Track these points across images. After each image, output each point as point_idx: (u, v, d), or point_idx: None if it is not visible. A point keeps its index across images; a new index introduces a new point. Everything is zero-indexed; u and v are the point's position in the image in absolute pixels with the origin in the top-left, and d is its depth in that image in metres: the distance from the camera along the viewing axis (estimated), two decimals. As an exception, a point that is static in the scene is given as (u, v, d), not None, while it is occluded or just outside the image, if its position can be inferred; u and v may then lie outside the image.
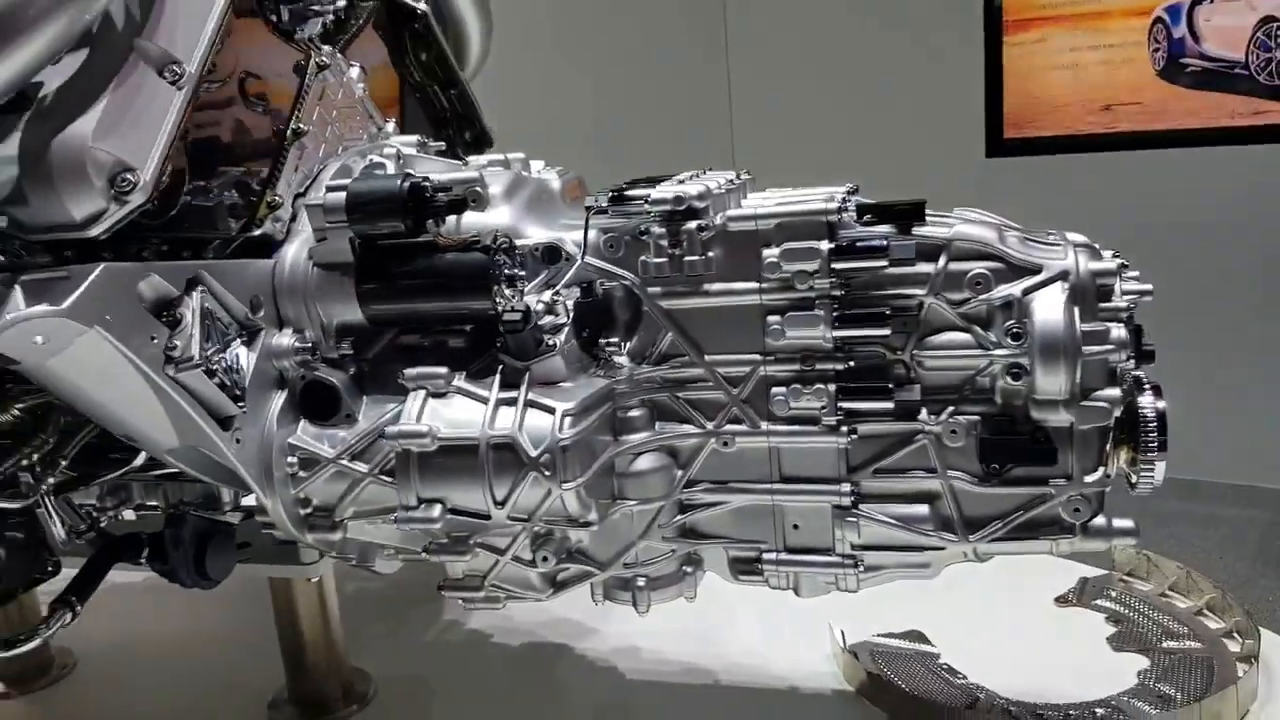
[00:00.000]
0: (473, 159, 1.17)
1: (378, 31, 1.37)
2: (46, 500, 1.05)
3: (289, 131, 1.07)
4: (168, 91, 0.89)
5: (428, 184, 0.99)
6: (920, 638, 1.41)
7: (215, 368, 0.92)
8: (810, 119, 2.87)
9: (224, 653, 1.34)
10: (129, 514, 1.19)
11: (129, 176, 0.86)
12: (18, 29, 0.78)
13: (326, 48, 1.16)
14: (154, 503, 1.17)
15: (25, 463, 0.97)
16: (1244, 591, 1.68)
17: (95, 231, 0.86)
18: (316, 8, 1.22)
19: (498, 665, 1.49)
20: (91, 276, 0.81)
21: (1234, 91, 2.49)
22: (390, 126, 1.29)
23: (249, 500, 1.10)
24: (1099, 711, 1.25)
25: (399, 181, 0.98)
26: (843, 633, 1.39)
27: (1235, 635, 1.39)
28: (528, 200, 1.09)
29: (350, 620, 1.42)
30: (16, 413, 0.96)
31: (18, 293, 0.84)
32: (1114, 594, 1.52)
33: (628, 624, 1.46)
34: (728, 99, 2.96)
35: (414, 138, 1.24)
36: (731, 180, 1.06)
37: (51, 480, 0.99)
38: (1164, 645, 1.40)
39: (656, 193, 1.00)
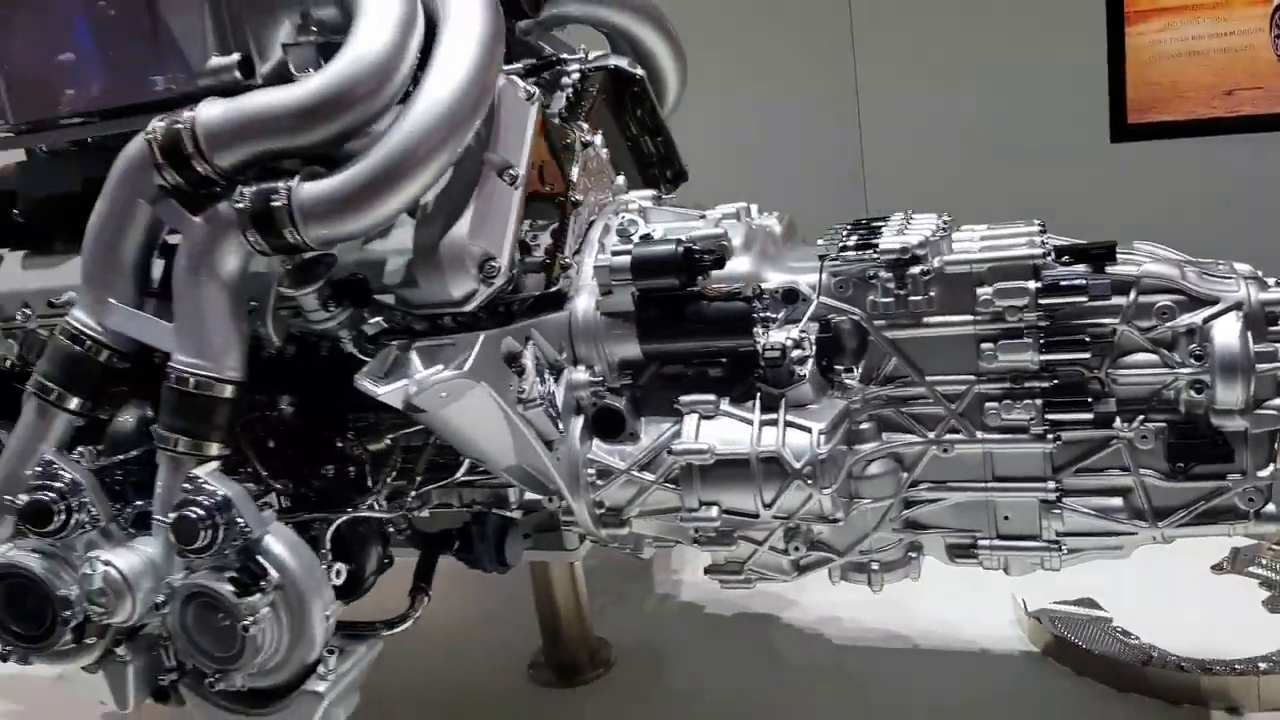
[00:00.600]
0: (709, 213, 1.36)
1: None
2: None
3: (569, 203, 1.28)
4: (508, 191, 1.13)
5: (696, 247, 1.20)
6: (1092, 604, 1.60)
7: (547, 403, 1.15)
8: (936, 112, 3.02)
9: (487, 625, 1.55)
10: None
11: (493, 264, 1.10)
12: (417, 164, 1.02)
13: (583, 125, 1.38)
14: (450, 503, 1.41)
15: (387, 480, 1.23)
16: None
17: (470, 307, 1.10)
18: (563, 81, 1.45)
19: (716, 632, 1.72)
20: (479, 343, 1.05)
21: (1355, 73, 2.59)
22: (620, 181, 1.50)
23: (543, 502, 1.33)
24: (1262, 666, 1.43)
25: (674, 246, 1.19)
26: (1024, 601, 1.59)
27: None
28: (760, 248, 1.29)
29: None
30: (389, 441, 1.21)
31: (415, 357, 1.08)
32: (1265, 561, 1.70)
33: (824, 594, 1.66)
34: (855, 96, 3.11)
35: (649, 193, 1.45)
36: (941, 225, 1.25)
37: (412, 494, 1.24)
38: (1314, 607, 1.58)
39: (885, 243, 1.20)
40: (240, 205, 1.03)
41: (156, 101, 1.16)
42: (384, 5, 1.06)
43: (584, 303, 1.25)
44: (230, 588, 1.03)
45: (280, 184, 1.03)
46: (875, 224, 1.29)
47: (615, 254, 1.21)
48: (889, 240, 1.21)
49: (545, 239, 1.24)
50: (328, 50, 1.12)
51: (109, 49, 1.18)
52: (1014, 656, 1.54)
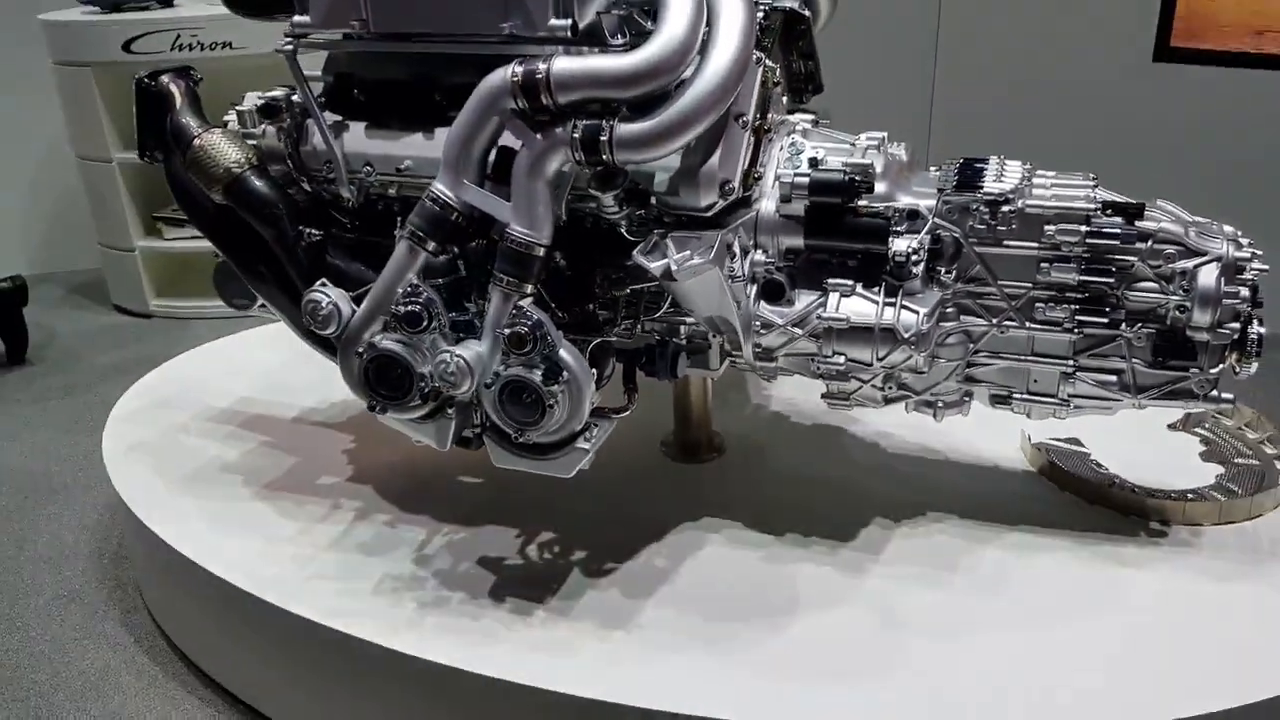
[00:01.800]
0: (858, 141, 1.83)
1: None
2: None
3: (761, 131, 1.77)
4: (741, 133, 1.62)
5: (855, 180, 1.70)
6: (1078, 442, 2.19)
7: (745, 280, 1.69)
8: (1004, 28, 3.44)
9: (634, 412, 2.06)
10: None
11: (730, 185, 1.61)
12: (699, 118, 1.51)
13: (771, 64, 1.83)
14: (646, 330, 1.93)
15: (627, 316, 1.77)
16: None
17: (709, 214, 1.62)
18: None
19: (798, 434, 2.31)
20: (718, 239, 1.58)
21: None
22: (785, 99, 1.98)
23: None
24: (1190, 495, 2.04)
25: (842, 176, 1.69)
26: (1029, 435, 2.18)
27: (1283, 459, 2.16)
28: (893, 175, 1.79)
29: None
30: (629, 290, 1.75)
31: (670, 244, 1.61)
32: (1207, 425, 2.29)
33: (879, 416, 2.25)
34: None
35: (809, 116, 1.92)
36: (1025, 173, 1.76)
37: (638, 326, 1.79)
38: (1235, 460, 2.17)
39: (988, 186, 1.70)
40: (576, 134, 1.53)
41: (500, 39, 1.62)
42: (684, 2, 1.53)
43: (767, 205, 1.74)
44: (540, 378, 1.59)
45: (604, 122, 1.53)
46: (980, 165, 1.78)
47: (797, 174, 1.72)
48: (990, 185, 1.71)
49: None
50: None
51: (471, -5, 1.62)
52: (1016, 474, 2.13)
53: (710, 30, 1.55)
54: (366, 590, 1.84)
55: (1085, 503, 2.05)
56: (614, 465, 2.00)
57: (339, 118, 1.85)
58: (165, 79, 1.96)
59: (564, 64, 1.53)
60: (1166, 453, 2.19)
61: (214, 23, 3.64)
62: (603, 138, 1.52)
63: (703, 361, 1.92)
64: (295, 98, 1.85)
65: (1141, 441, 2.17)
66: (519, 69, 1.55)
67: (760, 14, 1.89)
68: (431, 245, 1.64)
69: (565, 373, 1.59)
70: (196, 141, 1.85)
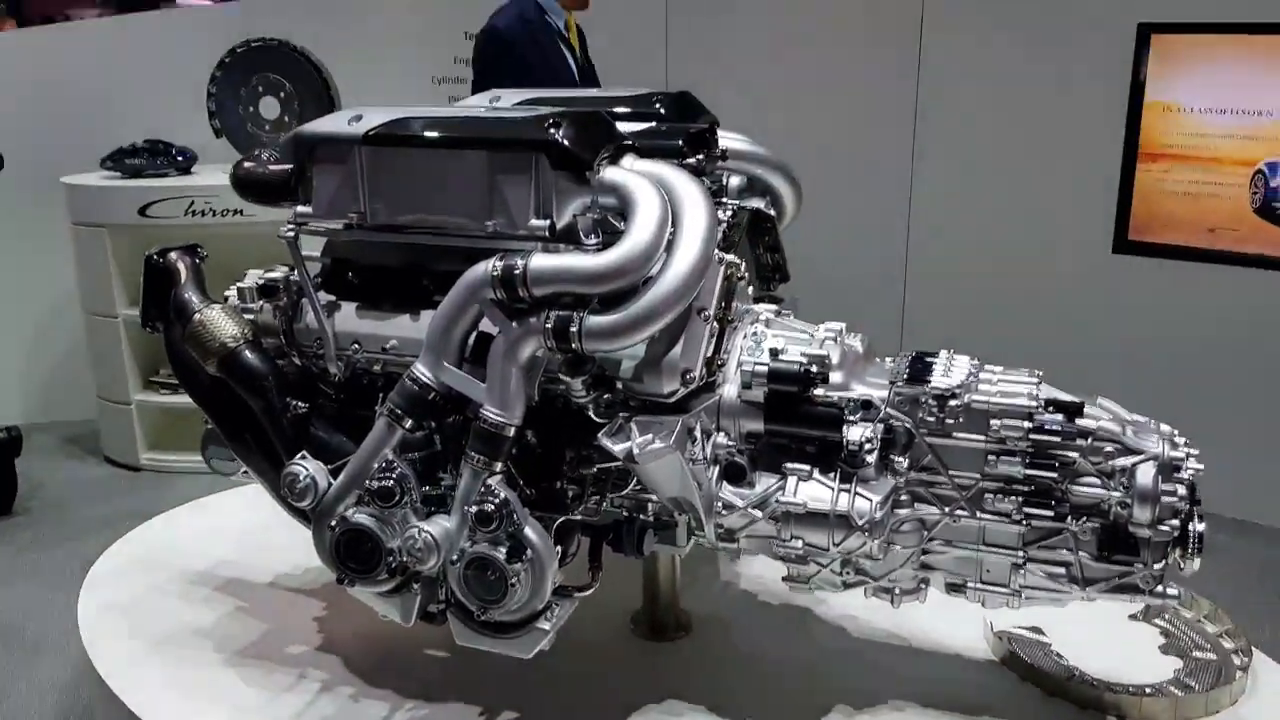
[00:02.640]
0: (817, 332, 1.95)
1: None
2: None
3: (725, 322, 1.88)
4: (703, 325, 1.73)
5: (811, 372, 1.80)
6: (1040, 631, 2.22)
7: (706, 462, 1.78)
8: (978, 204, 3.66)
9: (603, 588, 2.10)
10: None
11: (691, 375, 1.71)
12: (662, 313, 1.63)
13: (736, 259, 1.96)
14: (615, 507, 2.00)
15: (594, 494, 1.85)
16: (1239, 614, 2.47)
17: (671, 400, 1.72)
18: (720, 218, 2.04)
19: (766, 614, 2.35)
20: (679, 424, 1.68)
21: (1312, 235, 3.20)
22: (750, 290, 2.11)
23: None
24: (1147, 690, 2.06)
25: (799, 367, 1.80)
26: (991, 623, 2.22)
27: (1238, 652, 2.19)
28: (849, 366, 1.89)
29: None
30: (596, 469, 1.83)
31: (634, 427, 1.70)
32: (1167, 616, 2.33)
33: (846, 596, 2.28)
34: (908, 201, 3.75)
35: (772, 307, 2.05)
36: (973, 368, 1.86)
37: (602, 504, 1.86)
38: (1193, 654, 2.21)
39: (935, 381, 1.80)
40: (548, 324, 1.65)
41: (485, 235, 1.76)
42: (651, 209, 1.65)
43: (729, 390, 1.82)
44: (504, 556, 1.66)
45: (574, 314, 1.64)
46: (929, 359, 1.89)
47: (757, 363, 1.82)
48: (938, 380, 1.81)
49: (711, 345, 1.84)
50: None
51: (459, 197, 1.76)
52: (979, 662, 2.17)
53: (675, 232, 1.68)
54: (327, 763, 1.85)
55: (1045, 694, 2.07)
56: (583, 642, 2.03)
57: (333, 298, 1.96)
58: (173, 255, 2.10)
59: (540, 261, 1.66)
60: (1127, 644, 2.22)
61: (227, 190, 3.77)
62: (572, 328, 1.63)
63: (669, 538, 1.98)
64: (293, 277, 1.98)
65: (1103, 632, 2.20)
66: (499, 264, 1.67)
67: (728, 213, 2.04)
68: (409, 423, 1.73)
69: (529, 550, 1.66)
70: (197, 316, 1.97)
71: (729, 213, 2.06)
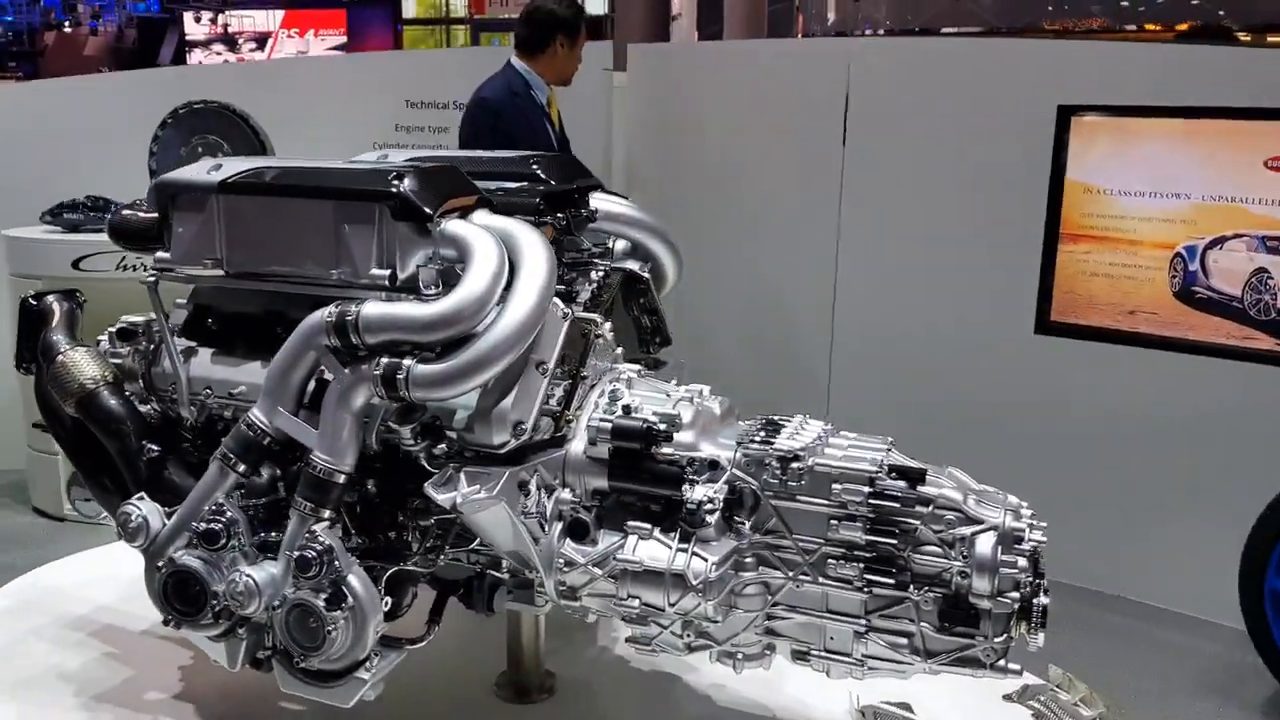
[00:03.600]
0: (673, 393, 1.95)
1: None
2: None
3: (579, 378, 1.89)
4: (539, 378, 1.73)
5: (655, 424, 1.80)
6: (908, 708, 2.19)
7: (539, 516, 1.76)
8: (903, 282, 3.69)
9: (460, 646, 2.08)
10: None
11: (522, 426, 1.71)
12: (492, 362, 1.63)
13: (597, 317, 1.97)
14: (460, 560, 2.00)
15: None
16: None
17: (502, 451, 1.71)
18: (592, 275, 2.06)
19: (632, 677, 2.32)
20: (505, 476, 1.67)
21: (1229, 318, 3.20)
22: (619, 351, 2.11)
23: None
24: (1009, 772, 2.02)
25: (641, 423, 1.79)
26: (857, 696, 2.18)
27: (1110, 736, 2.15)
28: (701, 425, 1.89)
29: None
30: (433, 520, 1.82)
31: (463, 477, 1.70)
32: (1042, 698, 2.28)
33: (714, 669, 2.26)
34: (834, 273, 3.79)
35: (636, 367, 2.05)
36: (823, 432, 1.86)
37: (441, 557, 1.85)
38: (1066, 737, 2.16)
39: (779, 443, 1.80)
40: (377, 372, 1.65)
41: (328, 283, 1.78)
42: (487, 259, 1.66)
43: (576, 446, 1.83)
44: (323, 603, 1.64)
45: (404, 362, 1.64)
46: (781, 424, 1.89)
47: (603, 420, 1.82)
48: (783, 442, 1.81)
49: (558, 398, 1.84)
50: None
51: (308, 245, 1.78)
52: (842, 738, 2.14)
53: (511, 283, 1.69)
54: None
55: (906, 772, 2.03)
56: (444, 701, 2.01)
57: (192, 344, 1.97)
58: (50, 299, 2.11)
59: (372, 309, 1.67)
60: (1000, 724, 2.19)
61: (162, 248, 3.87)
62: (399, 376, 1.64)
63: (526, 598, 1.96)
64: (154, 324, 1.99)
65: (974, 711, 2.16)
66: (335, 310, 1.68)
67: (600, 273, 2.06)
68: (241, 467, 1.73)
69: (350, 599, 1.64)
70: (59, 358, 1.98)
71: (600, 273, 2.08)
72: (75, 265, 3.85)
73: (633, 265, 2.17)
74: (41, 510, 4.19)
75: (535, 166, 2.15)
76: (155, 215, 1.96)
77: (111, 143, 4.20)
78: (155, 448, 1.94)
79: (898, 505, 1.74)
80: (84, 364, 1.97)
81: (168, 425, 2.00)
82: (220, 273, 1.87)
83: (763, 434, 1.83)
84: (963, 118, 3.50)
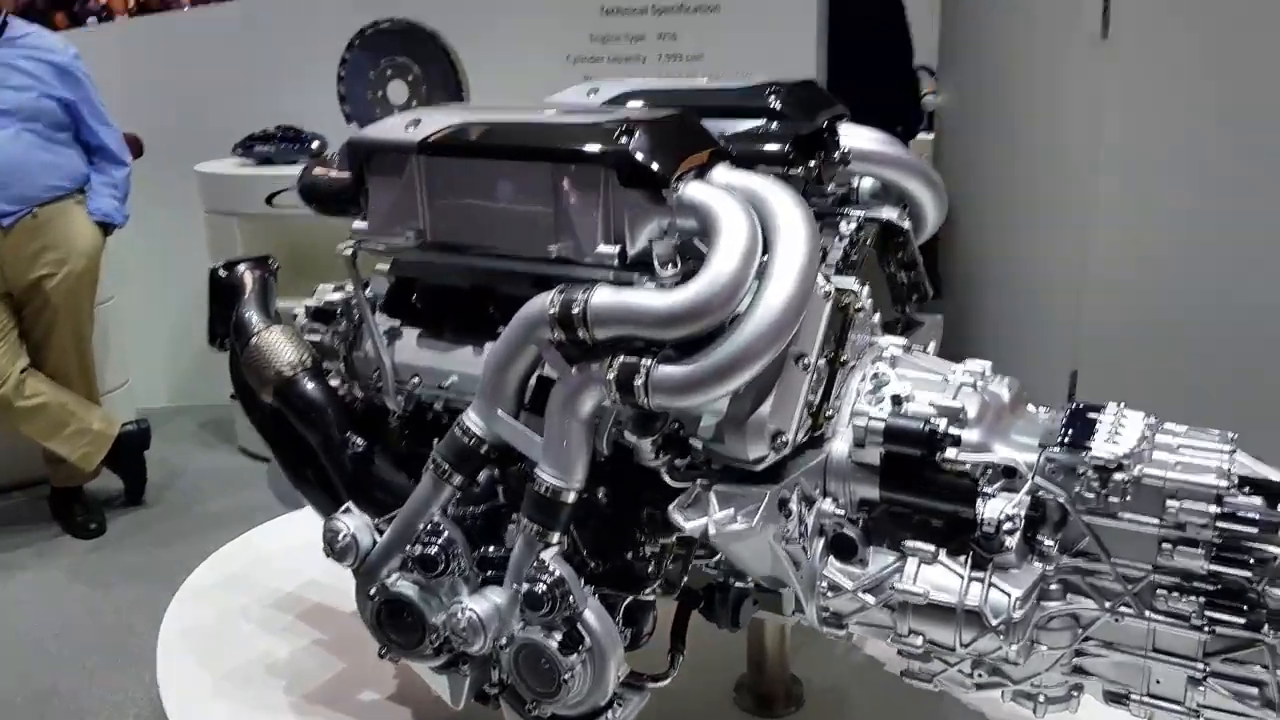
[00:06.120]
0: (951, 376, 1.63)
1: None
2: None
3: (838, 364, 1.58)
4: (800, 375, 1.43)
5: (938, 433, 1.48)
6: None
7: (803, 539, 1.48)
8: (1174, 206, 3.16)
9: (703, 649, 1.86)
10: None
11: (783, 438, 1.42)
12: (747, 362, 1.34)
13: (854, 282, 1.65)
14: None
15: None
16: None
17: (759, 468, 1.43)
18: (842, 230, 1.73)
19: (887, 690, 2.04)
20: (766, 500, 1.39)
21: None
22: (877, 319, 1.78)
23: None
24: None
25: (923, 425, 1.47)
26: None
27: None
28: (990, 420, 1.56)
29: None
30: (674, 538, 1.56)
31: (713, 499, 1.43)
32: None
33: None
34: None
35: (901, 341, 1.72)
36: (1146, 430, 1.50)
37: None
38: None
39: (1097, 449, 1.45)
40: (610, 375, 1.38)
41: (547, 259, 1.51)
42: (736, 235, 1.37)
43: (839, 447, 1.54)
44: (556, 645, 1.42)
45: (642, 362, 1.37)
46: (1093, 415, 1.54)
47: (872, 418, 1.51)
48: (1100, 447, 1.46)
49: (817, 392, 1.54)
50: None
51: (523, 214, 1.52)
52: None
53: (768, 261, 1.38)
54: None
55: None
56: (680, 714, 1.79)
57: (396, 322, 1.76)
58: (241, 268, 1.94)
59: (602, 298, 1.40)
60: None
61: (352, 181, 3.71)
62: (638, 381, 1.37)
63: (774, 605, 1.71)
64: (354, 300, 1.78)
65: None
66: (558, 298, 1.42)
67: (852, 225, 1.74)
68: (458, 479, 1.51)
69: (588, 639, 1.41)
70: (253, 340, 1.80)
71: (853, 225, 1.76)
72: (269, 201, 3.73)
73: (890, 214, 1.83)
74: (247, 450, 4.18)
75: (775, 99, 1.81)
76: (349, 177, 1.73)
77: (299, 65, 4.04)
78: (361, 441, 1.74)
79: (1253, 529, 1.38)
80: (281, 347, 1.78)
81: (373, 412, 1.80)
82: (423, 245, 1.63)
83: (1071, 431, 1.49)
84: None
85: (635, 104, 1.81)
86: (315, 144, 3.88)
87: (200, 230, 4.03)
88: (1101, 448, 1.45)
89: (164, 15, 4.41)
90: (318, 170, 1.85)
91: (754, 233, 1.38)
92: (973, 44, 3.76)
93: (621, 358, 1.39)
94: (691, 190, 1.43)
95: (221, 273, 1.93)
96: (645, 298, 1.38)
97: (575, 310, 1.39)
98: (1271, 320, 3.01)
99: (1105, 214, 3.20)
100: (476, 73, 3.80)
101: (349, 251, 1.71)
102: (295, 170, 3.77)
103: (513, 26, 3.99)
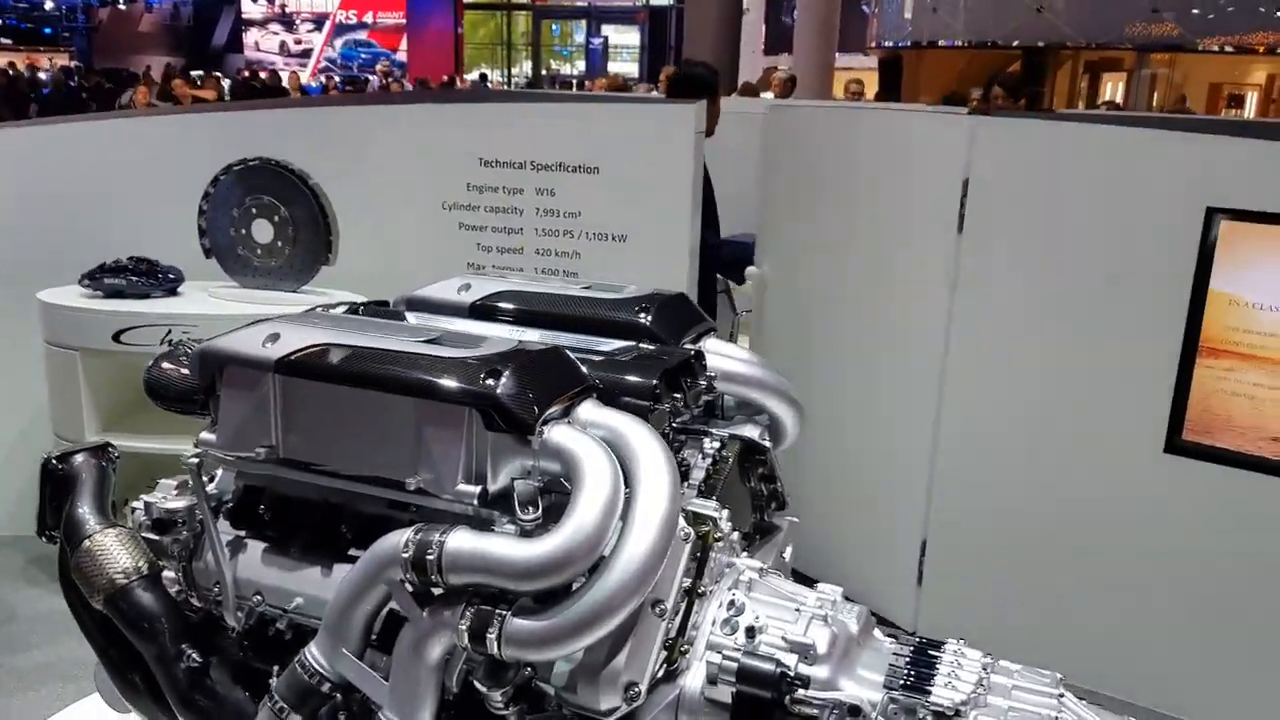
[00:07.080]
0: (804, 604, 1.63)
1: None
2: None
3: (695, 595, 1.58)
4: (656, 622, 1.43)
5: (788, 676, 1.48)
6: None
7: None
8: (1019, 393, 3.37)
9: None
10: None
11: (636, 689, 1.41)
12: (607, 616, 1.33)
13: (714, 507, 1.65)
14: None
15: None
16: None
17: (611, 719, 1.41)
18: (706, 447, 1.75)
19: None
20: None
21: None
22: (735, 537, 1.79)
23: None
24: None
25: (774, 667, 1.48)
26: None
27: None
28: (839, 654, 1.58)
29: None
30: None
31: (565, 746, 1.39)
32: None
33: None
34: (941, 366, 3.46)
35: (756, 564, 1.74)
36: (983, 671, 1.54)
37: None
38: None
39: (937, 695, 1.49)
40: (463, 625, 1.35)
41: (405, 489, 1.48)
42: (599, 484, 1.36)
43: (692, 683, 1.52)
44: None
45: (497, 613, 1.35)
46: (934, 654, 1.58)
47: (726, 656, 1.51)
48: (939, 693, 1.49)
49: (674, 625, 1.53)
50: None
51: (382, 443, 1.50)
52: None
53: (628, 510, 1.39)
54: None
55: None
56: None
57: (241, 533, 1.69)
58: (78, 460, 1.85)
59: (459, 543, 1.37)
60: None
61: (207, 319, 3.60)
62: (491, 634, 1.34)
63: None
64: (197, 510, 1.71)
65: None
66: (413, 540, 1.39)
67: (715, 444, 1.76)
68: (296, 719, 1.44)
69: None
70: (85, 544, 1.71)
71: (715, 444, 1.78)
72: (116, 338, 3.58)
73: (751, 432, 1.87)
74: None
75: (646, 315, 1.85)
76: (199, 382, 1.68)
77: (157, 195, 3.93)
78: (196, 656, 1.66)
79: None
80: (115, 553, 1.69)
81: (211, 622, 1.72)
82: (274, 462, 1.59)
83: (913, 673, 1.52)
84: (1097, 211, 3.14)
85: (503, 331, 1.80)
86: (168, 278, 3.76)
87: (39, 361, 3.83)
88: (940, 693, 1.49)
89: (12, 129, 4.19)
90: (167, 365, 1.79)
91: (616, 482, 1.39)
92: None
93: (476, 606, 1.36)
94: (556, 435, 1.43)
95: (55, 464, 1.83)
96: (505, 547, 1.37)
97: (430, 555, 1.37)
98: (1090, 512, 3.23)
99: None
100: (347, 217, 3.76)
101: (193, 461, 1.65)
102: (147, 306, 3.71)
103: (388, 170, 3.98)
